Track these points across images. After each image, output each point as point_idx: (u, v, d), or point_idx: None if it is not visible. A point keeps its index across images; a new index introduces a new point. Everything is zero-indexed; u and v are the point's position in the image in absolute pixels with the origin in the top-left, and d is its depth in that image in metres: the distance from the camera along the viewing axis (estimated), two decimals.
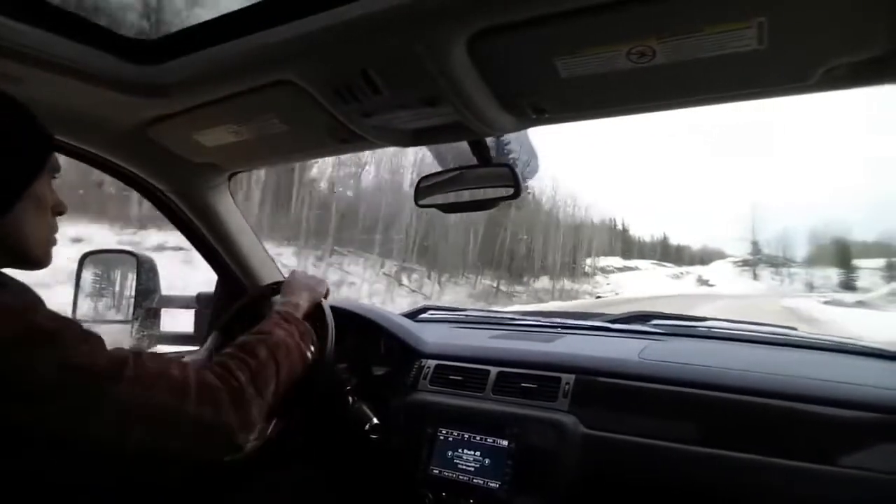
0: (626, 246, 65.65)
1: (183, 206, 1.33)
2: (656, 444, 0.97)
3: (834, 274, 61.66)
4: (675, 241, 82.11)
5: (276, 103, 0.92)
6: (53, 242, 0.74)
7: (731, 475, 0.91)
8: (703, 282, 53.93)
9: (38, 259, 0.71)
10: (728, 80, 0.75)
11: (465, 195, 1.10)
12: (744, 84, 0.76)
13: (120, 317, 1.42)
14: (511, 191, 1.02)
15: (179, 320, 1.53)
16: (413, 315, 1.66)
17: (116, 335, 1.36)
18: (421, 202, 1.13)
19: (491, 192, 1.06)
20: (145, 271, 1.41)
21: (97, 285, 1.43)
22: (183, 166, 1.22)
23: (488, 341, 1.35)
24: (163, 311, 1.47)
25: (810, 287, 57.58)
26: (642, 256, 66.11)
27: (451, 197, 1.11)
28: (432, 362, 1.28)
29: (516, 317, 1.61)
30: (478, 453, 1.10)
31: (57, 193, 0.74)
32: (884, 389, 0.91)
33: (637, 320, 1.42)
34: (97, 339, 0.63)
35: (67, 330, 0.61)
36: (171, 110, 0.98)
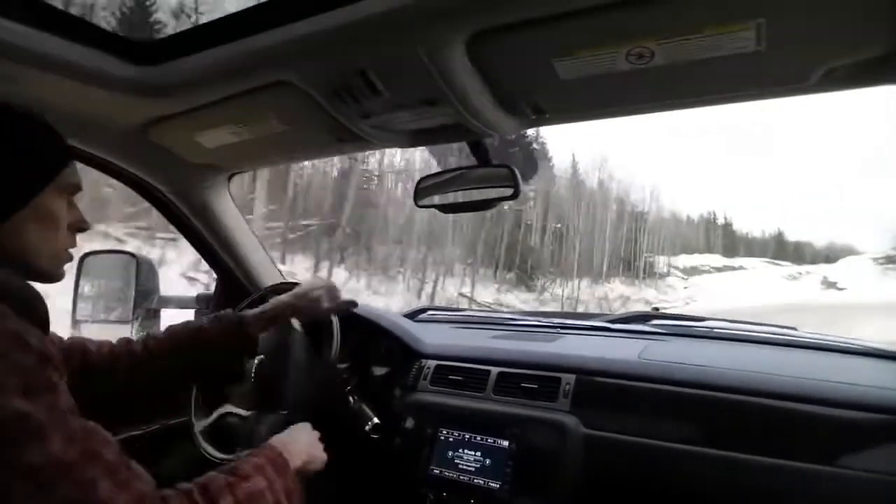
0: (728, 242, 58.50)
1: (183, 207, 1.33)
2: (657, 445, 0.97)
3: None
4: (793, 236, 72.20)
5: (276, 104, 0.92)
6: (66, 258, 0.72)
7: (731, 476, 0.91)
8: (829, 284, 42.02)
9: (45, 273, 0.68)
10: (727, 81, 0.75)
11: (465, 195, 1.10)
12: (743, 85, 0.76)
13: (120, 317, 1.42)
14: (511, 191, 1.03)
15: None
16: (413, 315, 1.66)
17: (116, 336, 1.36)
18: (420, 202, 1.13)
19: (490, 193, 1.06)
20: (144, 272, 1.41)
21: (97, 285, 1.43)
22: (183, 167, 1.22)
23: (489, 341, 1.35)
24: (162, 311, 1.47)
25: None
26: (751, 254, 57.81)
27: (450, 197, 1.11)
28: (432, 362, 1.28)
29: (516, 317, 1.61)
30: (478, 453, 1.10)
31: (78, 209, 0.72)
32: (885, 390, 0.90)
33: (637, 320, 1.42)
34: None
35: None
36: (170, 111, 0.98)
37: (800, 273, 45.52)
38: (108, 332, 1.34)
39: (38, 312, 0.62)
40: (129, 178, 1.24)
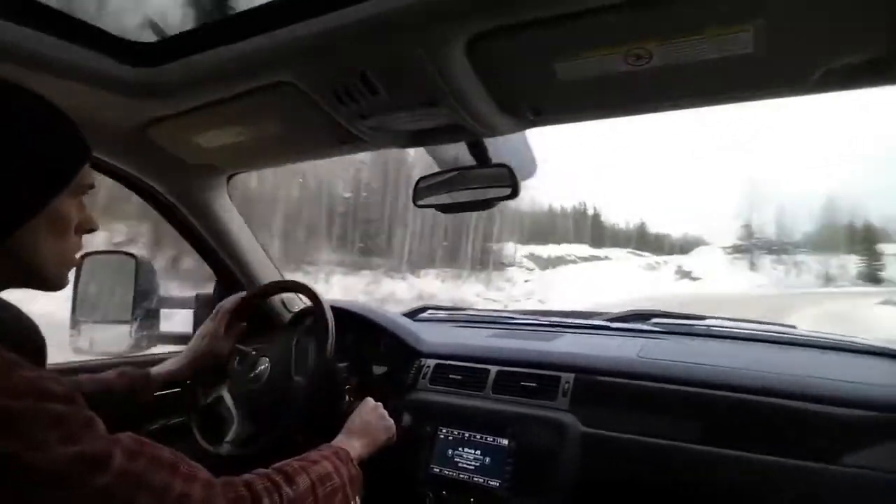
0: (597, 233, 58.56)
1: (182, 208, 1.33)
2: (656, 443, 0.98)
3: (851, 262, 50.01)
4: (654, 228, 73.09)
5: (275, 105, 0.92)
6: (73, 264, 0.66)
7: (731, 474, 0.91)
8: (683, 273, 42.63)
9: (51, 282, 0.63)
10: (726, 82, 0.75)
11: (464, 195, 1.10)
12: (742, 86, 0.76)
13: (119, 318, 1.42)
14: (508, 191, 1.03)
15: (178, 321, 1.54)
16: (413, 314, 1.67)
17: (116, 336, 1.36)
18: (419, 203, 1.13)
19: (489, 193, 1.06)
20: (144, 272, 1.41)
21: (96, 286, 1.43)
22: (181, 168, 1.22)
23: (488, 340, 1.36)
24: (162, 311, 1.47)
25: (826, 279, 47.18)
26: (617, 245, 57.28)
27: (449, 197, 1.11)
28: (432, 361, 1.29)
29: (516, 316, 1.62)
30: (478, 452, 1.10)
31: (87, 209, 0.66)
32: (886, 388, 0.91)
33: (637, 319, 1.43)
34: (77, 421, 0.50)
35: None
36: (169, 112, 0.98)
37: (657, 263, 45.85)
38: (108, 331, 1.35)
39: (35, 345, 0.59)
40: (128, 179, 1.24)
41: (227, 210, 1.39)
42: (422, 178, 1.13)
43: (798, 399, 0.92)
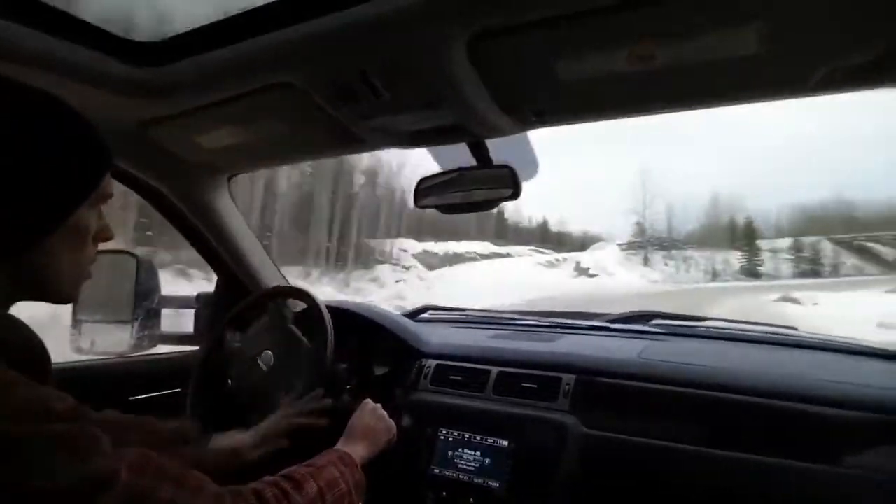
0: (500, 229, 56.56)
1: (183, 208, 1.33)
2: (657, 445, 0.98)
3: (734, 258, 52.92)
4: (557, 226, 71.67)
5: (277, 105, 0.92)
6: (87, 277, 0.62)
7: (731, 476, 0.91)
8: (581, 270, 41.00)
9: (64, 295, 0.60)
10: (728, 82, 0.75)
11: (465, 196, 1.10)
12: (743, 87, 0.76)
13: (120, 317, 1.42)
14: (510, 192, 1.03)
15: (179, 320, 1.54)
16: (414, 315, 1.66)
17: (117, 336, 1.36)
18: (420, 203, 1.13)
19: (490, 193, 1.06)
20: (144, 271, 1.41)
21: (97, 286, 1.43)
22: (183, 168, 1.22)
23: (489, 341, 1.35)
24: (163, 311, 1.47)
25: (713, 274, 49.50)
26: (521, 242, 55.22)
27: (450, 198, 1.11)
28: (433, 362, 1.29)
29: (516, 316, 1.61)
30: (478, 453, 1.10)
31: (104, 217, 0.63)
32: (886, 390, 0.91)
33: (637, 320, 1.43)
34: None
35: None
36: (171, 112, 0.98)
37: (558, 260, 44.47)
38: (109, 331, 1.35)
39: (40, 362, 0.55)
40: (129, 179, 1.24)
41: (229, 210, 1.39)
42: (422, 179, 1.13)
43: (798, 400, 0.92)
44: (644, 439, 0.99)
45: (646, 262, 50.42)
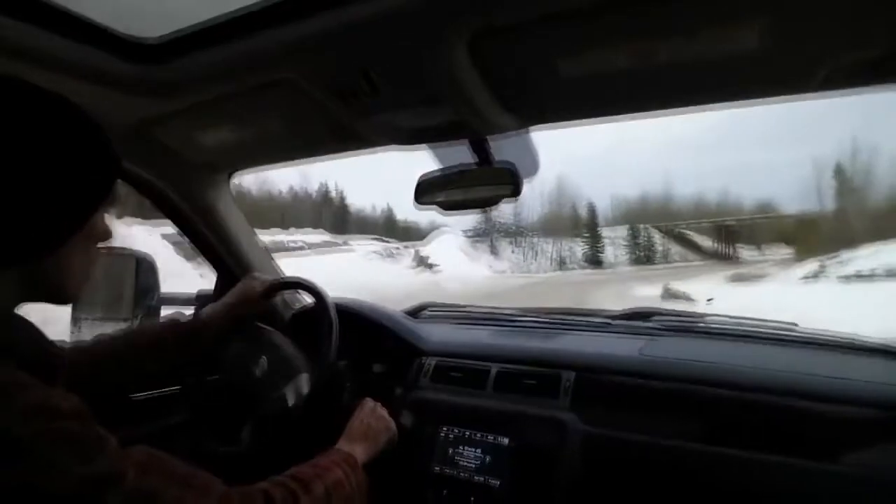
0: (339, 219, 54.83)
1: (183, 205, 1.33)
2: (657, 442, 0.98)
3: (577, 246, 53.39)
4: (403, 215, 68.05)
5: (277, 103, 0.92)
6: (91, 278, 0.63)
7: (732, 473, 0.91)
8: (423, 262, 37.79)
9: (71, 297, 0.61)
10: (729, 81, 0.74)
11: (466, 194, 1.09)
12: (745, 85, 0.75)
13: (120, 315, 1.42)
14: (511, 189, 1.02)
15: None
16: (414, 313, 1.66)
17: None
18: (421, 201, 1.13)
19: (491, 191, 1.06)
20: (144, 270, 1.41)
21: (96, 284, 1.42)
22: (184, 165, 1.22)
23: (489, 338, 1.36)
24: (163, 309, 1.46)
25: (559, 262, 49.51)
26: (364, 232, 51.95)
27: (451, 196, 1.10)
28: (433, 360, 1.29)
29: (516, 314, 1.61)
30: (478, 451, 1.10)
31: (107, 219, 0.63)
32: (887, 386, 0.91)
33: (638, 317, 1.43)
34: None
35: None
36: (172, 109, 0.98)
37: (397, 250, 41.50)
38: (108, 329, 1.34)
39: (49, 363, 0.55)
40: (130, 176, 1.24)
41: (229, 208, 1.39)
42: (423, 176, 1.12)
43: (798, 397, 0.92)
44: (644, 436, 0.99)
45: (493, 249, 49.25)
